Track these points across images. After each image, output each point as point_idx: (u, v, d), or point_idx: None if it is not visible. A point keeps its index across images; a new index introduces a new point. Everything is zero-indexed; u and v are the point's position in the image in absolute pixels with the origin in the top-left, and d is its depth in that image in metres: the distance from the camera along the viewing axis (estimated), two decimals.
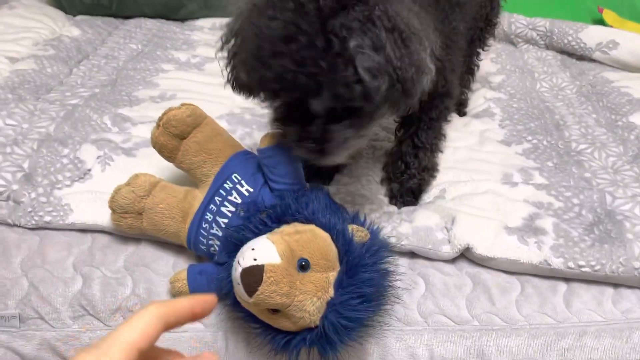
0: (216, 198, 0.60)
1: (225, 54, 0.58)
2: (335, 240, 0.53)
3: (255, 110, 0.90)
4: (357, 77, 0.49)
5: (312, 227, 0.53)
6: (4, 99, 0.84)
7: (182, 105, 0.61)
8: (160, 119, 0.60)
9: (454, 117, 0.94)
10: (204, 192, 0.61)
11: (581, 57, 1.15)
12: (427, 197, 0.72)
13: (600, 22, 1.25)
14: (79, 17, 1.20)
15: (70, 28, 1.13)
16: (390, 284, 0.57)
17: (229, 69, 0.58)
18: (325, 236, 0.53)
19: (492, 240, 0.63)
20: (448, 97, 0.71)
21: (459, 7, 0.71)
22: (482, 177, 0.74)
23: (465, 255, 0.65)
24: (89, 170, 0.69)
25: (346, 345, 0.53)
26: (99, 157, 0.71)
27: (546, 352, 0.60)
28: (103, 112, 0.82)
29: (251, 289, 0.48)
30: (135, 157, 0.72)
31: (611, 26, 1.23)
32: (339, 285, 0.51)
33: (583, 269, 0.62)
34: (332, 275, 0.52)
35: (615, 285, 0.64)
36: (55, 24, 1.14)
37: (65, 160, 0.70)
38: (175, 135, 0.60)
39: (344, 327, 0.51)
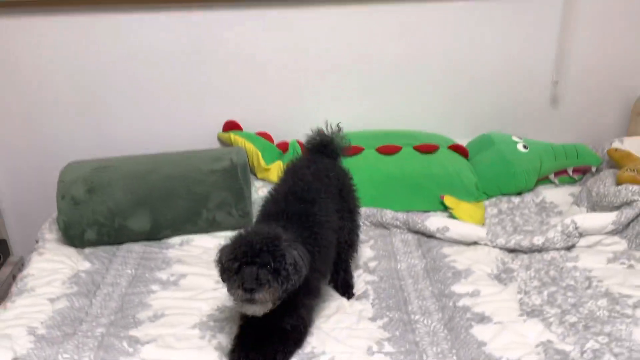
0: None
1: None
2: None
3: (215, 315, 1.41)
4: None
5: None
6: (55, 336, 1.32)
7: None
8: None
9: (343, 300, 1.47)
10: None
11: (430, 236, 1.74)
12: None
13: (442, 204, 1.86)
14: (87, 250, 1.70)
15: (82, 262, 1.64)
16: None
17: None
18: None
19: None
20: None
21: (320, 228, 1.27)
22: (355, 350, 1.26)
23: None
24: None
25: None
26: None
27: None
28: (121, 337, 1.31)
29: None
30: None
31: (450, 208, 1.84)
32: None
33: None
34: None
35: None
36: (71, 261, 1.64)
37: None
38: None
39: None
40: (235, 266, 1.12)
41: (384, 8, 1.98)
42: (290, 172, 1.41)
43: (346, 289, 1.50)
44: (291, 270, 1.14)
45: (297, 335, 1.26)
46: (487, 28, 2.06)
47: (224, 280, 1.17)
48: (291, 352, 1.24)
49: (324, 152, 1.47)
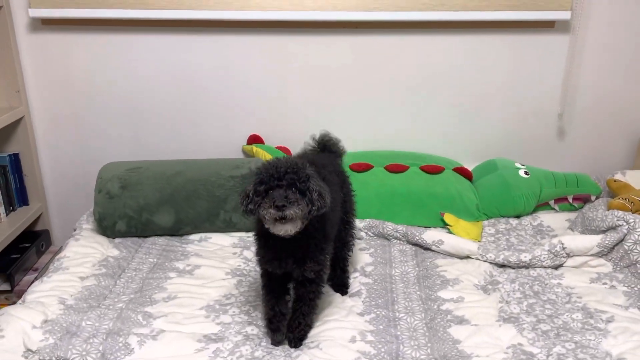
0: None
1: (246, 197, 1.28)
2: None
3: (221, 301, 1.58)
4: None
5: None
6: (81, 307, 1.51)
7: None
8: None
9: (337, 296, 1.61)
10: None
11: (426, 248, 1.87)
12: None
13: (442, 221, 1.99)
14: (117, 240, 1.92)
15: (112, 250, 1.85)
16: None
17: (245, 203, 1.26)
18: None
19: None
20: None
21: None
22: (338, 338, 1.40)
23: None
24: (133, 349, 1.35)
25: None
26: (138, 341, 1.37)
27: None
28: (137, 312, 1.50)
29: None
30: (157, 341, 1.38)
31: (449, 225, 1.96)
32: None
33: None
34: None
35: None
36: (102, 248, 1.85)
37: (120, 344, 1.36)
38: None
39: None
40: (263, 189, 1.22)
41: (400, 38, 2.16)
42: (299, 156, 1.55)
43: (341, 287, 1.64)
44: (315, 195, 1.24)
45: (319, 283, 1.41)
46: (497, 60, 2.20)
47: (253, 206, 1.24)
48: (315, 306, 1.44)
49: (329, 150, 1.63)
